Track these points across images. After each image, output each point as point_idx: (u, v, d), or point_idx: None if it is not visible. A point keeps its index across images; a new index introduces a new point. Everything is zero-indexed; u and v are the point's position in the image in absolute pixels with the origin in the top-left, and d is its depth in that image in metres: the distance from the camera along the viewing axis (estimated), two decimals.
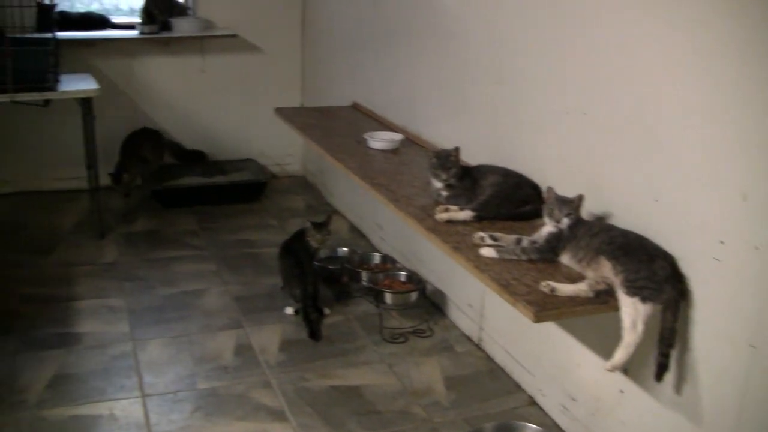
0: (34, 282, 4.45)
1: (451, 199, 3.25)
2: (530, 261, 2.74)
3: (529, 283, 2.57)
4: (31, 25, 5.37)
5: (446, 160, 3.26)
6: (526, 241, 2.80)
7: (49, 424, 3.21)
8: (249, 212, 5.67)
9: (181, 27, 5.90)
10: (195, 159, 6.10)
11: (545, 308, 2.43)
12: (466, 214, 3.11)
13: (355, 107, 5.10)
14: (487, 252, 2.78)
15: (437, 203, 3.27)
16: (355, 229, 5.34)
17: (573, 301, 2.50)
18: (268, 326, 4.04)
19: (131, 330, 3.97)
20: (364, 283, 4.33)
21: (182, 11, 6.07)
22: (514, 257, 2.76)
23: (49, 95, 4.72)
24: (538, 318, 2.42)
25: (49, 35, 4.96)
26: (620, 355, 2.47)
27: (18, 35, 4.92)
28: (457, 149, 3.30)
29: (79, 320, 4.05)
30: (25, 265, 4.68)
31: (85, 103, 4.88)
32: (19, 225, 5.34)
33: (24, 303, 4.20)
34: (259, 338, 3.92)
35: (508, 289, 2.53)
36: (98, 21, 6.00)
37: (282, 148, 6.41)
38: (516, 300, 2.47)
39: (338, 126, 4.64)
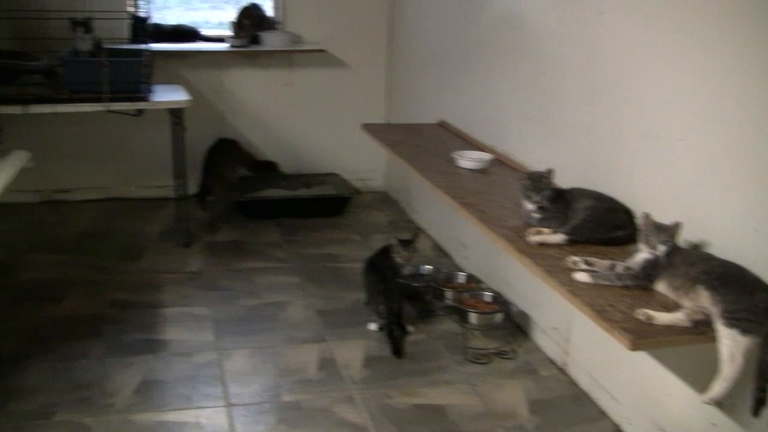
0: (122, 287, 4.55)
1: (543, 222, 3.22)
2: (625, 287, 2.70)
3: (624, 310, 2.53)
4: (125, 36, 5.53)
5: (539, 182, 3.24)
6: (620, 267, 2.76)
7: (137, 429, 3.26)
8: (332, 226, 5.70)
9: (270, 41, 5.98)
10: (266, 169, 6.15)
11: (642, 336, 2.39)
12: (559, 238, 3.09)
13: (442, 125, 5.10)
14: (582, 277, 2.75)
15: (528, 225, 3.24)
16: (438, 247, 5.33)
17: (670, 330, 2.45)
18: (351, 341, 4.05)
19: (216, 339, 4.02)
20: (448, 302, 4.31)
21: (271, 25, 6.15)
22: (608, 283, 2.72)
23: (142, 105, 4.82)
24: (635, 346, 2.38)
25: (143, 46, 5.08)
26: (718, 388, 2.42)
27: (114, 46, 5.05)
28: (550, 171, 3.28)
29: (165, 327, 4.12)
30: (114, 270, 4.78)
31: (176, 113, 4.97)
32: (109, 231, 5.46)
33: (113, 308, 4.29)
34: (342, 353, 3.93)
35: (603, 315, 2.50)
36: (189, 33, 6.13)
37: (365, 163, 6.44)
38: (612, 327, 2.43)
39: (425, 143, 4.64)
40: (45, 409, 3.36)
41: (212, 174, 5.63)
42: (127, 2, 5.79)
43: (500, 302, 4.20)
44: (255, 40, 5.99)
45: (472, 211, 3.44)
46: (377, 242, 4.97)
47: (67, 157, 5.81)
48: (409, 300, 4.36)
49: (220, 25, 6.47)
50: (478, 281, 4.51)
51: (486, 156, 4.17)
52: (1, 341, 3.88)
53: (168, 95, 5.00)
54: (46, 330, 4.03)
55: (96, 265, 4.84)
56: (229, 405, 3.46)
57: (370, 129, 4.98)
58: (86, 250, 5.07)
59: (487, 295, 4.26)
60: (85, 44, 4.93)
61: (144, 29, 5.48)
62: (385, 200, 6.39)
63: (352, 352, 3.95)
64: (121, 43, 5.35)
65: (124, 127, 5.61)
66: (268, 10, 6.19)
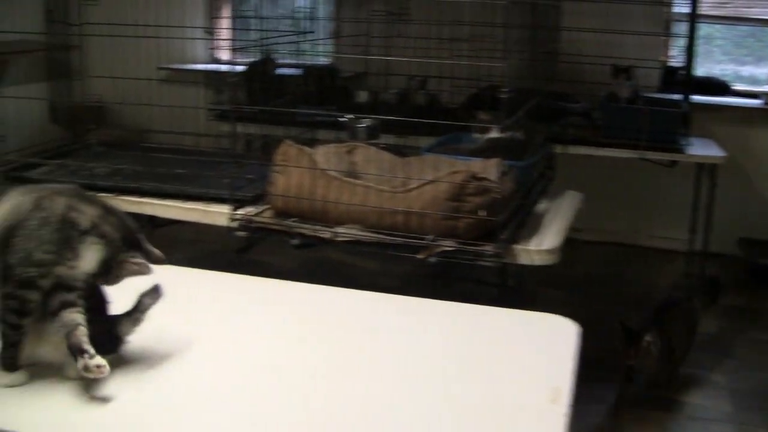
0: None
1: None
2: None
3: None
4: (655, 84, 5.51)
5: None
6: None
7: None
8: None
9: None
10: None
11: None
12: None
13: None
14: None
15: None
16: None
17: None
18: None
19: (734, 411, 3.81)
20: None
21: None
22: None
23: (677, 157, 4.76)
24: None
25: (676, 97, 5.02)
26: None
27: (648, 94, 5.05)
28: None
29: (680, 388, 3.99)
30: (622, 316, 4.74)
31: (708, 169, 4.85)
32: (617, 276, 5.48)
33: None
34: None
35: None
36: (719, 86, 5.95)
37: None
38: None
39: None
40: None
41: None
42: (661, 51, 5.79)
43: None
44: None
45: None
46: None
47: (588, 198, 5.92)
48: None
49: (738, 78, 6.21)
50: None
51: None
52: None
53: (702, 149, 4.88)
54: None
55: (604, 309, 4.85)
56: None
57: None
58: (594, 292, 5.12)
59: None
60: (624, 91, 4.98)
61: (677, 79, 5.43)
62: None
63: None
64: (652, 91, 5.33)
65: (647, 176, 5.59)
66: None
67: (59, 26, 4.41)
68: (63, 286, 1.67)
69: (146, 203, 3.54)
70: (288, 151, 3.10)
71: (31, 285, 1.64)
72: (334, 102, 4.82)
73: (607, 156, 4.88)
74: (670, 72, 5.66)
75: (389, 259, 3.49)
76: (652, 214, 5.96)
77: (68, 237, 1.67)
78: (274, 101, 4.43)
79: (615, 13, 5.43)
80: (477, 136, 3.61)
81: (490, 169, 2.95)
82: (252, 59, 5.17)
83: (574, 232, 5.96)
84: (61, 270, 1.66)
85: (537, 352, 2.07)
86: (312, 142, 3.54)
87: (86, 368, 1.61)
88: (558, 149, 4.58)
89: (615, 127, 4.78)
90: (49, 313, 1.67)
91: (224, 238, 3.56)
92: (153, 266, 1.77)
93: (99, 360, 1.62)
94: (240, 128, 4.45)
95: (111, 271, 1.73)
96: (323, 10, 5.86)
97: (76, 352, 1.62)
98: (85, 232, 1.69)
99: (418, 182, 2.87)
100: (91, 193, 1.77)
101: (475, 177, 2.87)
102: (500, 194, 2.88)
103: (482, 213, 2.82)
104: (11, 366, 1.70)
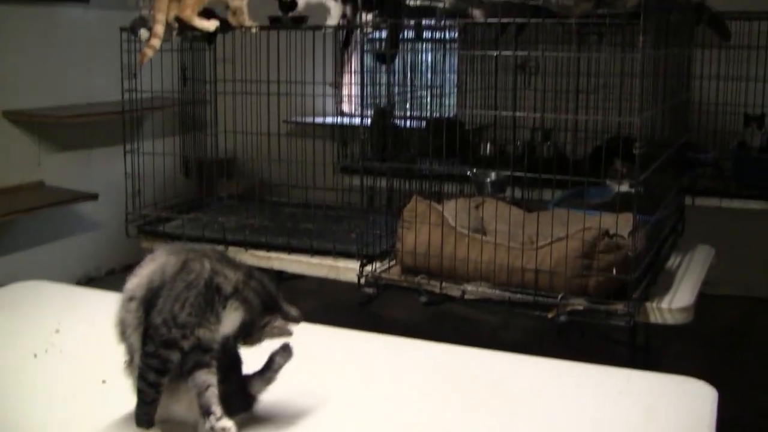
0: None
1: None
2: None
3: None
4: None
5: None
6: None
7: None
8: None
9: None
10: None
11: None
12: None
13: None
14: None
15: None
16: None
17: None
18: None
19: None
20: None
21: None
22: None
23: None
24: None
25: None
26: None
27: None
28: None
29: None
30: (756, 376, 4.58)
31: None
32: (747, 332, 5.31)
33: (760, 417, 4.09)
34: None
35: None
36: None
37: None
38: None
39: None
40: None
41: None
42: None
43: None
44: None
45: None
46: None
47: (718, 250, 5.73)
48: None
49: None
50: None
51: None
52: None
53: None
54: None
55: (737, 367, 4.68)
56: None
57: None
58: (726, 349, 4.95)
59: None
60: (755, 140, 4.85)
61: None
62: None
63: None
64: None
65: None
66: None
67: (192, 83, 4.53)
68: (201, 347, 1.72)
69: (275, 258, 3.60)
70: (417, 207, 3.11)
71: (174, 345, 1.69)
72: (457, 155, 4.80)
73: (738, 208, 4.71)
74: None
75: (512, 314, 3.43)
76: None
77: (212, 301, 1.71)
78: (398, 155, 4.45)
79: (745, 60, 5.29)
80: (612, 184, 3.54)
81: (622, 224, 2.90)
82: (372, 113, 5.19)
83: (703, 285, 5.81)
84: (202, 332, 1.71)
85: (674, 419, 2.01)
86: (437, 196, 3.55)
87: (213, 430, 1.66)
88: (686, 201, 4.47)
89: (746, 178, 4.65)
90: (183, 371, 1.72)
91: (346, 290, 3.59)
92: (292, 327, 1.80)
93: (225, 422, 1.67)
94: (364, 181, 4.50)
95: (252, 333, 1.77)
96: (448, 62, 5.86)
97: (205, 412, 1.67)
98: (228, 297, 1.73)
99: (549, 239, 2.84)
100: (234, 257, 1.82)
101: (607, 233, 2.82)
102: (633, 251, 2.82)
103: (614, 271, 2.76)
104: (147, 423, 1.75)
